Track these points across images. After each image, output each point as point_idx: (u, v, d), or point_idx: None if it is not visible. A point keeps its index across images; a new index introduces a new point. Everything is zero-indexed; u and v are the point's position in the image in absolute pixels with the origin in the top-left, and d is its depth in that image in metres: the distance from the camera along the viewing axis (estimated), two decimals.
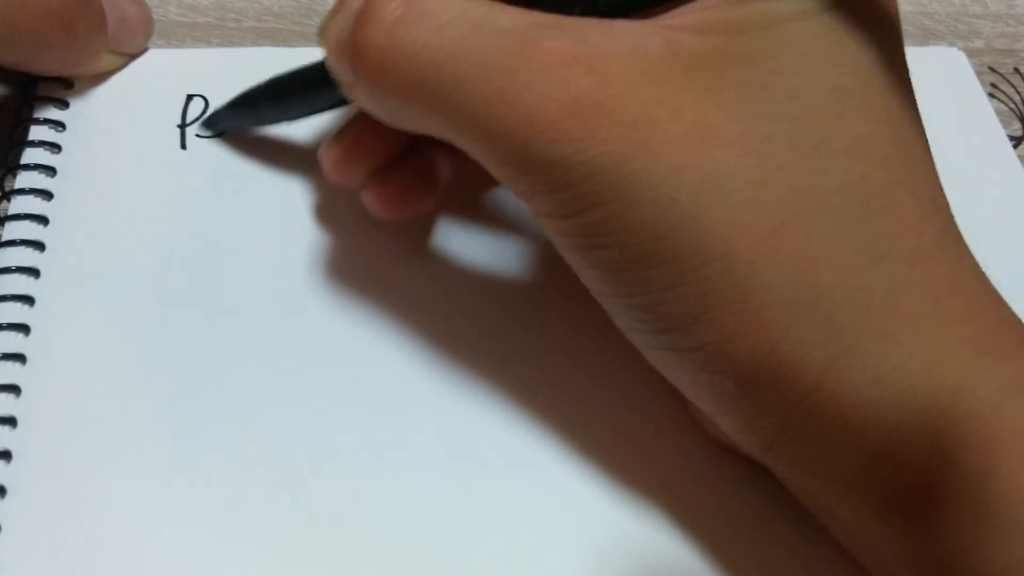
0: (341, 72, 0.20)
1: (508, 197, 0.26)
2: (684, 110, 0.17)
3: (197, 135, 0.27)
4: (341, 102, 0.22)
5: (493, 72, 0.17)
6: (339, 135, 0.23)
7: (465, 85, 0.17)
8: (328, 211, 0.26)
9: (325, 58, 0.20)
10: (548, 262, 0.26)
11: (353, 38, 0.18)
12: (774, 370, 0.18)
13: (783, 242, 0.17)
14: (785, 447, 0.19)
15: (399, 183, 0.24)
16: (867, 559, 0.20)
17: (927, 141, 0.19)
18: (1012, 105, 0.32)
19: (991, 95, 0.31)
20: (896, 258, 0.17)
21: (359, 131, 0.23)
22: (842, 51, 0.18)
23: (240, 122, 0.26)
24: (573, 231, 0.18)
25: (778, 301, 0.17)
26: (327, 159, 0.23)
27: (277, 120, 0.25)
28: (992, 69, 0.32)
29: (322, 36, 0.20)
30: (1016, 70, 0.33)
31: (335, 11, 0.20)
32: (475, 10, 0.18)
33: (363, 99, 0.20)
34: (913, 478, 0.17)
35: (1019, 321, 0.18)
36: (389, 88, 0.18)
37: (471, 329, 0.24)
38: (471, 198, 0.26)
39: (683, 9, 0.18)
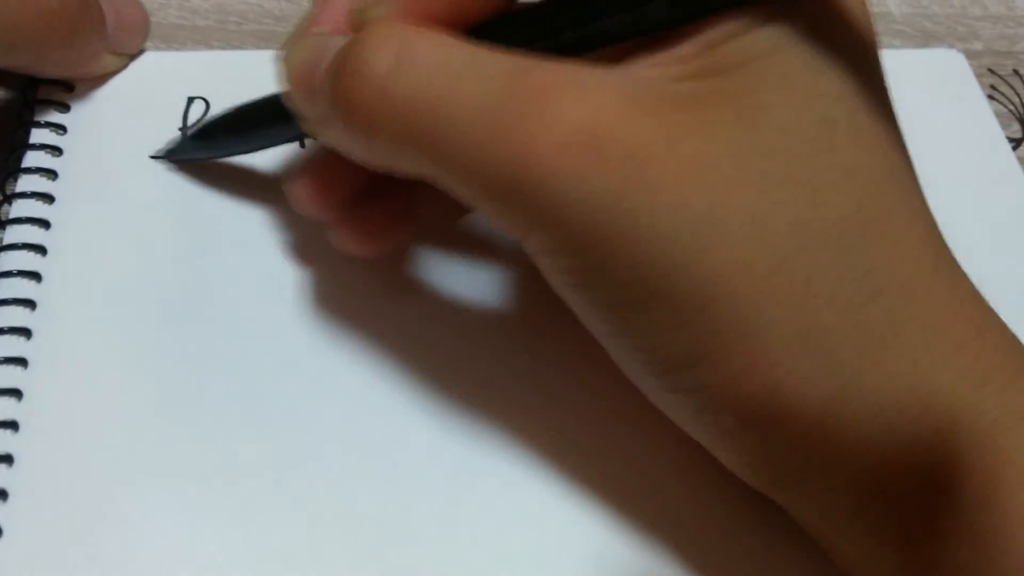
0: (310, 110, 0.19)
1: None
2: (679, 145, 0.16)
3: (151, 157, 0.26)
4: (305, 136, 0.22)
5: (483, 109, 0.16)
6: (307, 167, 0.22)
7: (456, 125, 0.17)
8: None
9: (284, 93, 0.19)
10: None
11: (339, 88, 0.18)
12: (777, 409, 0.17)
13: (785, 280, 0.17)
14: (787, 482, 0.19)
15: (374, 217, 0.22)
16: None
17: (911, 161, 0.19)
18: (1011, 107, 0.32)
19: (990, 97, 0.31)
20: (894, 290, 0.17)
21: (328, 162, 0.22)
22: (824, 80, 0.17)
23: (201, 154, 0.26)
24: (571, 270, 0.18)
25: (781, 341, 0.17)
26: (296, 192, 0.22)
27: (237, 152, 0.25)
28: (991, 71, 0.32)
29: (285, 65, 0.19)
30: (1015, 72, 0.33)
31: (297, 40, 0.19)
32: (462, 54, 0.17)
33: (338, 140, 0.19)
34: (914, 512, 0.17)
35: (1018, 344, 0.18)
36: (376, 135, 0.18)
37: (467, 339, 0.24)
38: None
39: (648, 62, 0.17)
